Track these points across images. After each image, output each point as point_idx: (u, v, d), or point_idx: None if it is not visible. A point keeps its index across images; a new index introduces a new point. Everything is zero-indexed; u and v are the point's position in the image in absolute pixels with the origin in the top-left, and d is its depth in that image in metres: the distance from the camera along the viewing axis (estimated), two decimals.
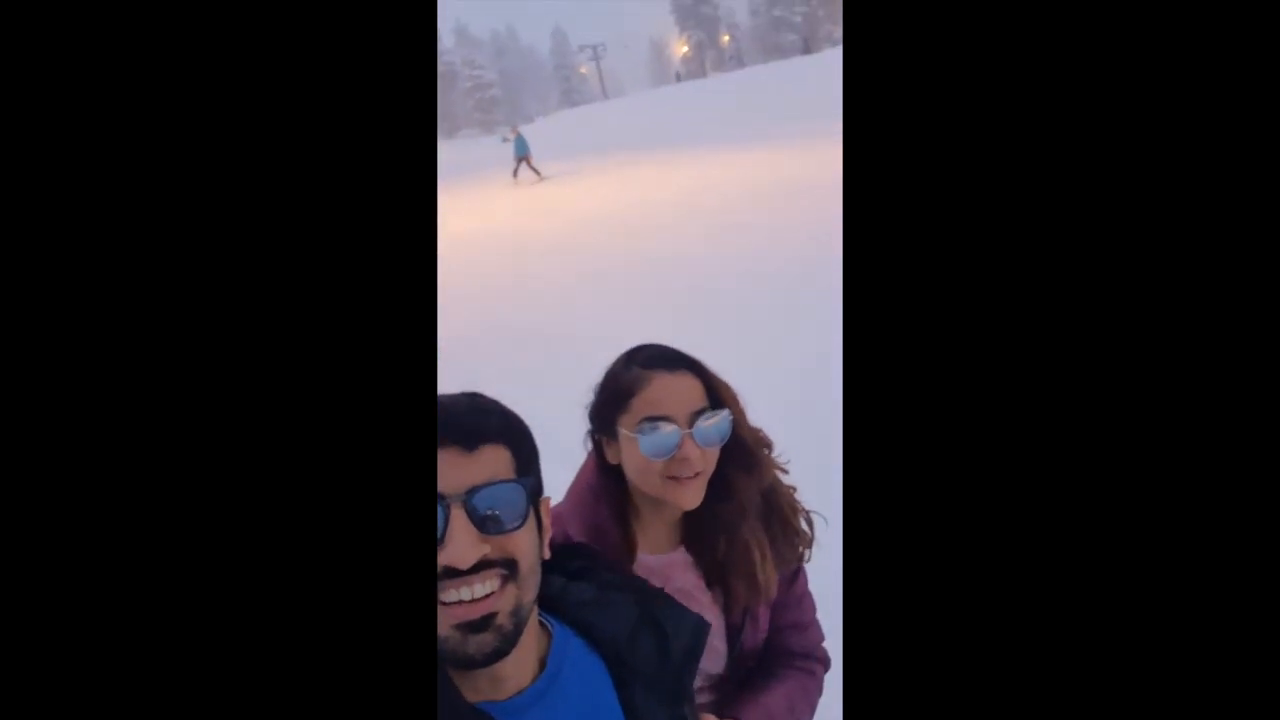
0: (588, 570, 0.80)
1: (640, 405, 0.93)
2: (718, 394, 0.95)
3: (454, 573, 0.60)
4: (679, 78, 44.06)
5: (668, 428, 0.91)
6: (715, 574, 0.99)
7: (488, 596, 0.62)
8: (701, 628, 0.78)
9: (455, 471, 0.62)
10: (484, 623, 0.61)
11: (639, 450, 0.92)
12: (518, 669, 0.66)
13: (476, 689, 0.64)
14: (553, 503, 0.80)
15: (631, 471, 0.95)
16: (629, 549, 0.99)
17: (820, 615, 1.10)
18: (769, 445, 1.02)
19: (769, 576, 0.99)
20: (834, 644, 1.04)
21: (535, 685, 0.67)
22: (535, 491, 0.67)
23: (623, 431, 0.94)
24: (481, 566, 0.61)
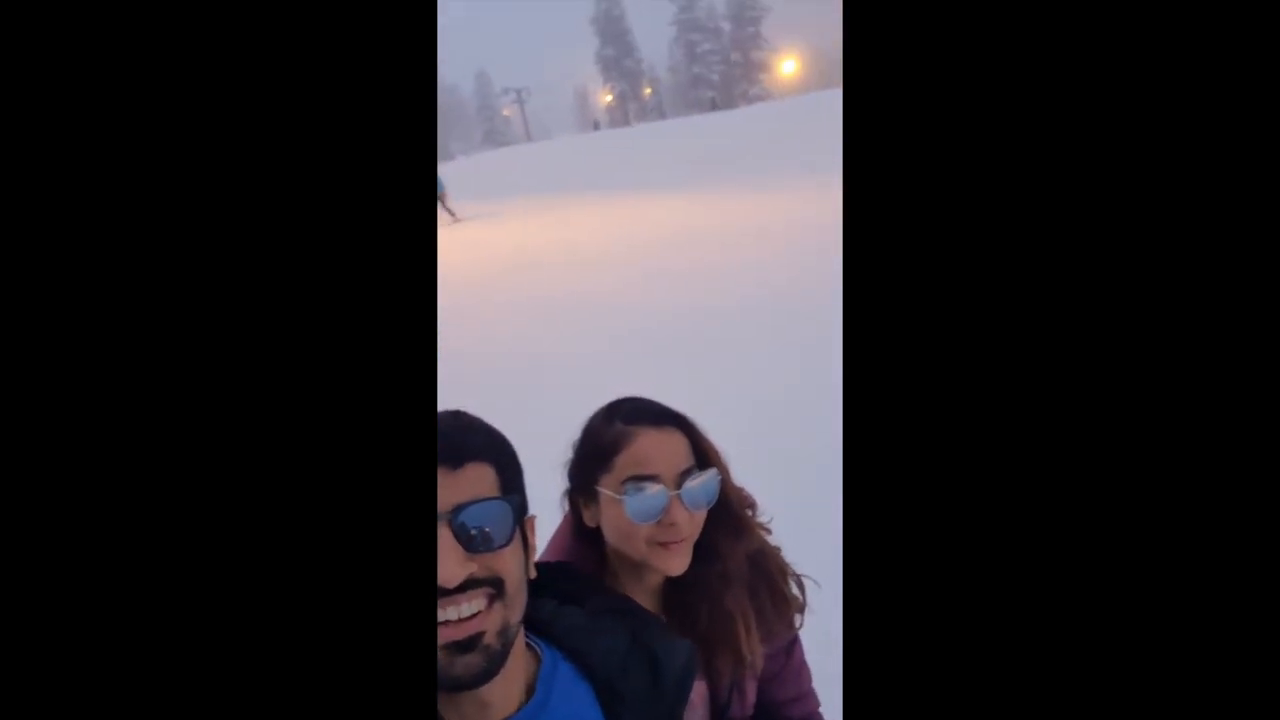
0: (580, 593, 0.78)
1: (625, 463, 0.87)
2: (704, 452, 0.90)
3: (441, 592, 0.60)
4: (597, 125, 44.98)
5: (655, 489, 0.85)
6: (698, 646, 0.92)
7: (474, 616, 0.61)
8: (694, 659, 0.76)
9: (440, 489, 0.61)
10: (471, 643, 0.61)
11: (624, 513, 0.86)
12: (504, 693, 0.65)
13: (461, 714, 0.64)
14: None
15: (613, 535, 0.89)
16: None
17: (822, 665, 1.07)
18: (753, 505, 0.98)
19: (754, 649, 0.93)
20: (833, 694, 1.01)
21: (522, 712, 0.66)
22: (521, 509, 0.67)
23: (604, 492, 0.88)
24: (468, 586, 0.61)
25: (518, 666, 0.66)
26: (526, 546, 0.68)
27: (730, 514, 0.92)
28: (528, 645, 0.70)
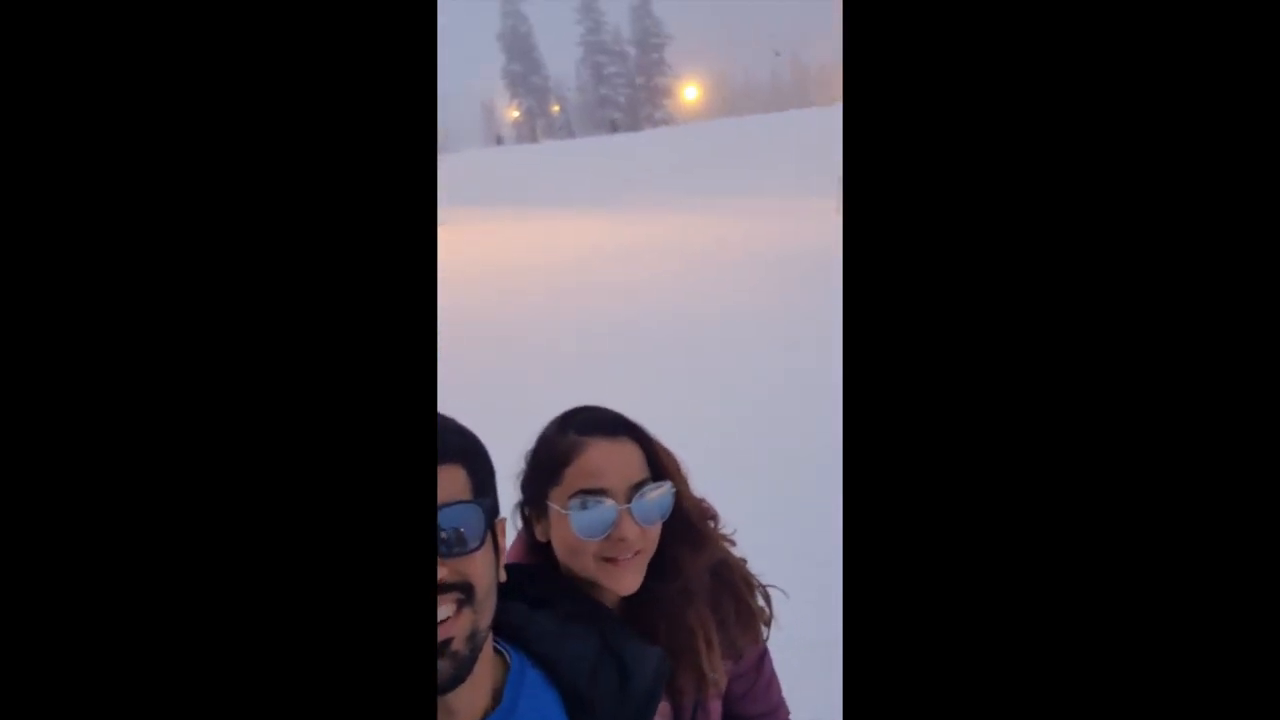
0: (551, 597, 0.77)
1: (574, 476, 0.85)
2: (659, 463, 0.88)
3: None
4: (500, 140, 45.36)
5: (604, 503, 0.83)
6: None
7: (444, 621, 0.60)
8: (664, 666, 0.76)
9: None
10: (440, 649, 0.60)
11: (571, 528, 0.84)
12: (471, 699, 0.65)
13: None
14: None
15: (562, 551, 0.87)
16: None
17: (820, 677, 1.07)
18: (714, 517, 0.96)
19: (716, 666, 0.91)
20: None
21: (488, 718, 0.66)
22: (492, 512, 0.65)
23: (553, 507, 0.86)
24: (437, 590, 0.60)
25: (485, 672, 0.66)
26: (497, 550, 0.67)
27: (689, 527, 0.90)
28: (496, 650, 0.70)
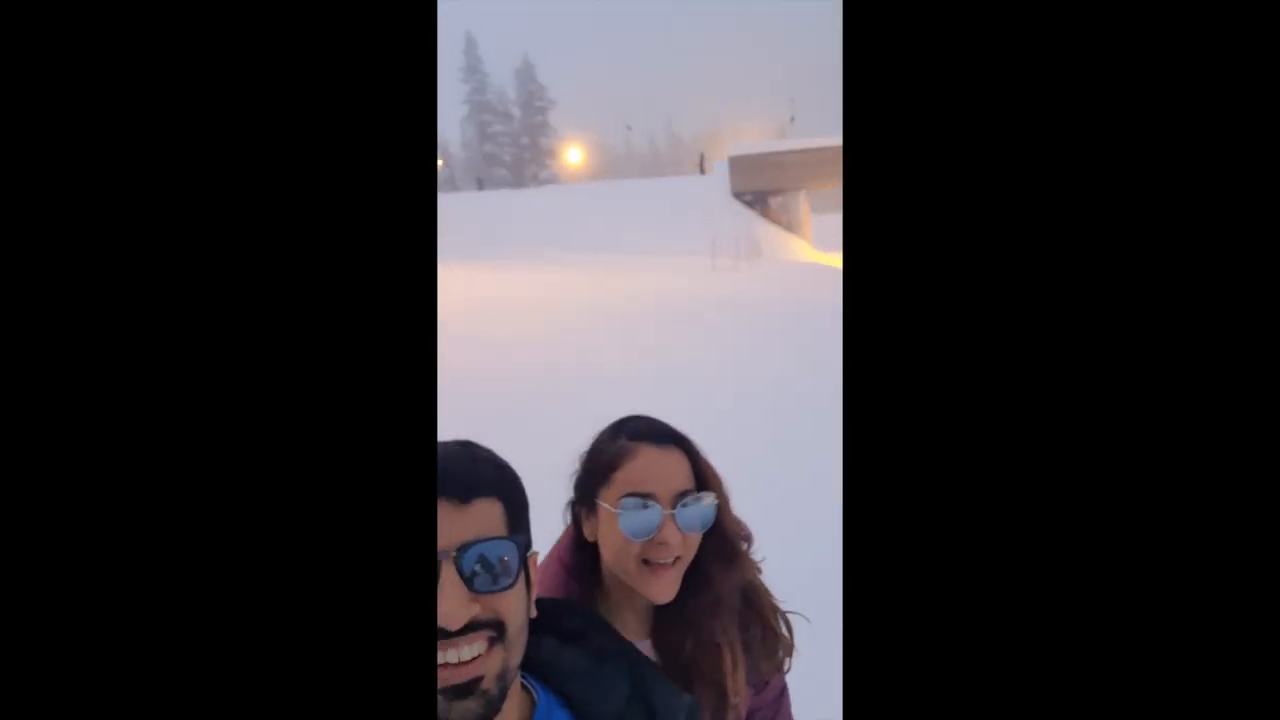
0: (582, 634, 0.76)
1: (623, 480, 0.90)
2: (704, 477, 0.92)
3: (441, 633, 0.58)
4: None
5: (650, 506, 0.88)
6: (679, 676, 0.93)
7: (474, 659, 0.60)
8: (695, 712, 0.75)
9: (446, 525, 0.60)
10: (469, 688, 0.59)
11: (618, 527, 0.89)
12: None
13: None
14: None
15: (607, 550, 0.92)
16: None
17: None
18: (749, 539, 0.98)
19: (738, 686, 0.94)
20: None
21: None
22: (525, 548, 0.65)
23: (603, 506, 0.91)
24: (469, 628, 0.59)
25: (510, 709, 0.65)
26: (529, 585, 0.67)
27: (724, 543, 0.94)
28: (523, 687, 0.69)
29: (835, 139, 18.94)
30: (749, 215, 17.77)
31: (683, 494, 0.91)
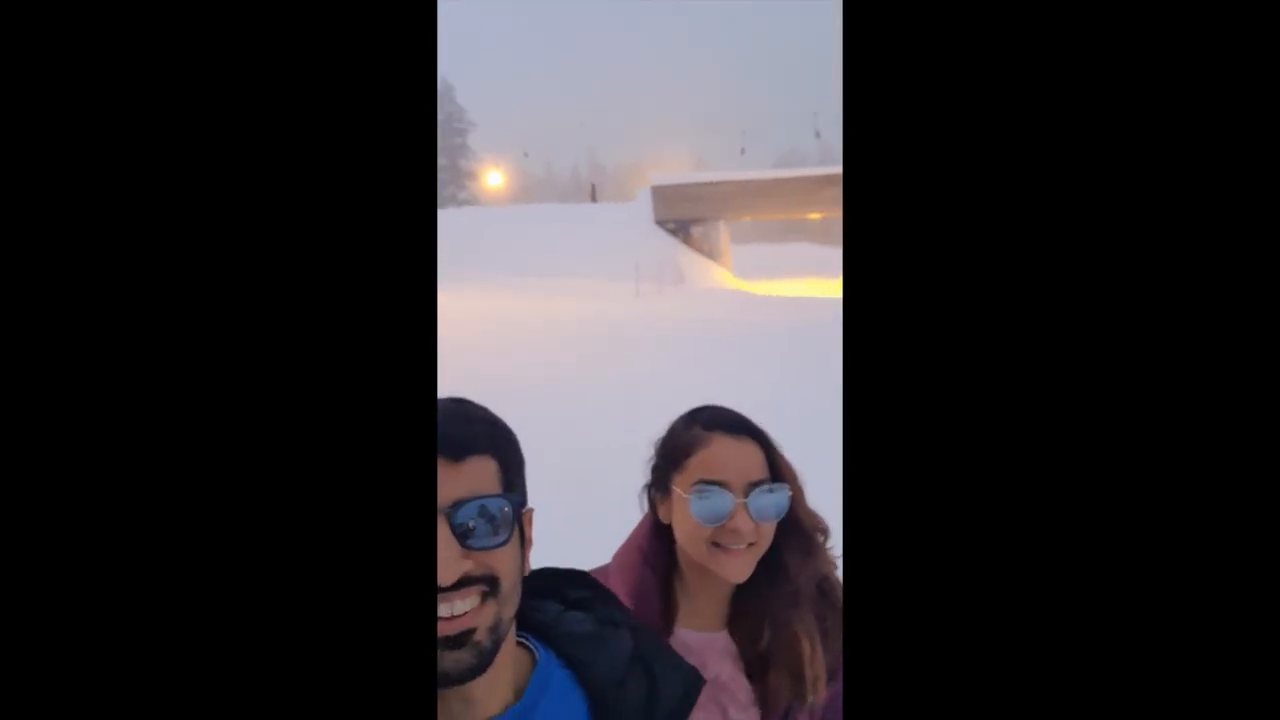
0: (587, 601, 0.76)
1: (696, 466, 0.92)
2: (779, 468, 0.93)
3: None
4: None
5: (722, 493, 0.90)
6: (756, 666, 0.94)
7: (467, 613, 0.61)
8: (695, 682, 0.74)
9: (441, 482, 0.60)
10: (461, 639, 0.60)
11: (690, 512, 0.90)
12: (491, 691, 0.65)
13: (447, 709, 0.63)
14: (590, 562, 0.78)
15: (681, 534, 0.94)
16: (668, 619, 0.96)
17: None
18: (825, 532, 0.99)
19: (817, 675, 0.93)
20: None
21: (509, 712, 0.66)
22: (520, 505, 0.66)
23: (676, 490, 0.94)
24: (462, 583, 0.60)
25: (506, 665, 0.66)
26: (524, 541, 0.67)
27: (801, 534, 0.95)
28: (521, 645, 0.70)
29: (760, 173, 19.21)
30: (672, 243, 18.03)
31: (756, 483, 0.92)
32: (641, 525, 1.03)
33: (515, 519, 0.65)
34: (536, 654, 0.71)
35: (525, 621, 0.71)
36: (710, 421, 0.96)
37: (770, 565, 0.94)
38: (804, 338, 9.40)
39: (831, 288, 16.43)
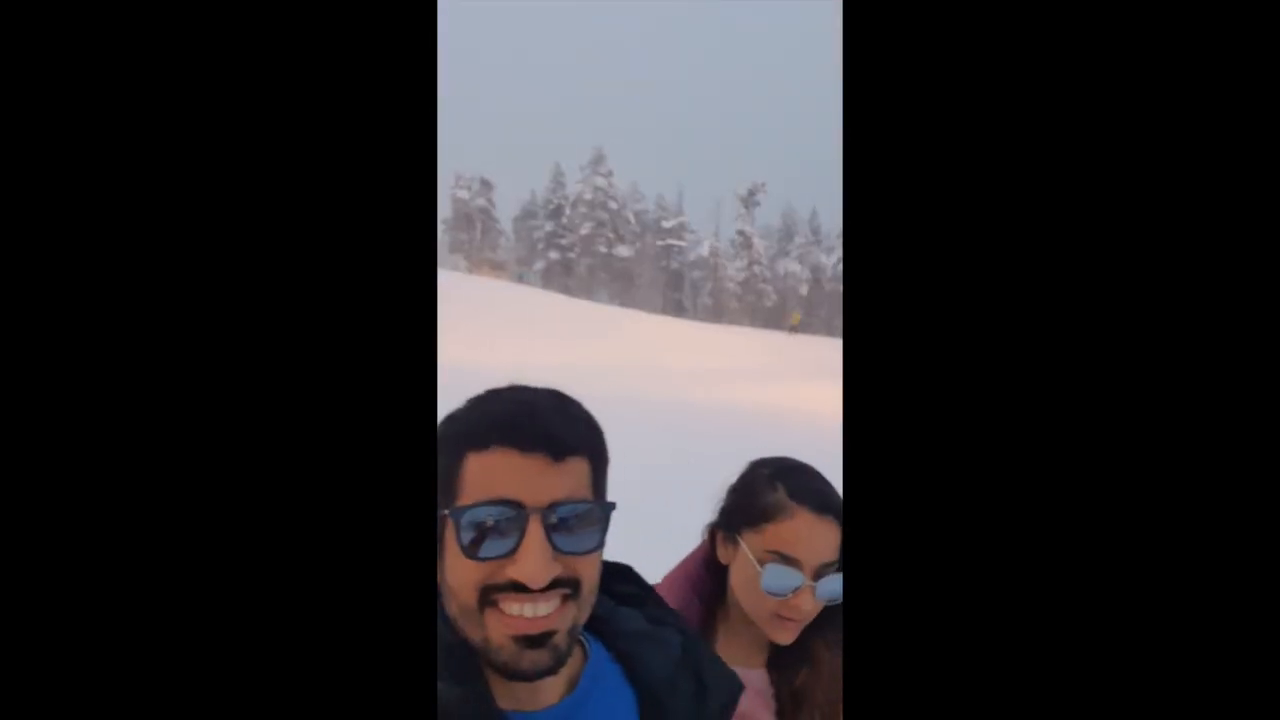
0: (636, 598, 0.76)
1: (773, 535, 0.92)
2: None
3: (521, 588, 0.59)
4: None
5: (793, 572, 0.90)
6: (789, 704, 0.95)
7: (549, 615, 0.60)
8: (737, 689, 0.75)
9: (540, 481, 0.59)
10: (542, 639, 0.60)
11: (758, 581, 0.91)
12: (552, 681, 0.64)
13: (515, 698, 0.63)
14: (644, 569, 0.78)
15: (739, 587, 0.95)
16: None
17: None
18: None
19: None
20: None
21: (563, 703, 0.66)
22: (610, 510, 0.64)
23: (745, 549, 0.94)
24: (549, 586, 0.59)
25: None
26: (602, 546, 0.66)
27: (836, 624, 0.94)
28: (576, 640, 0.68)
29: None
30: None
31: (827, 564, 0.91)
32: (695, 555, 1.03)
33: (606, 526, 0.64)
34: (588, 647, 0.70)
35: None
36: (797, 491, 0.94)
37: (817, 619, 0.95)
38: None
39: None
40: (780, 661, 0.97)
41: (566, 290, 38.20)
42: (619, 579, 0.76)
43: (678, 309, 45.73)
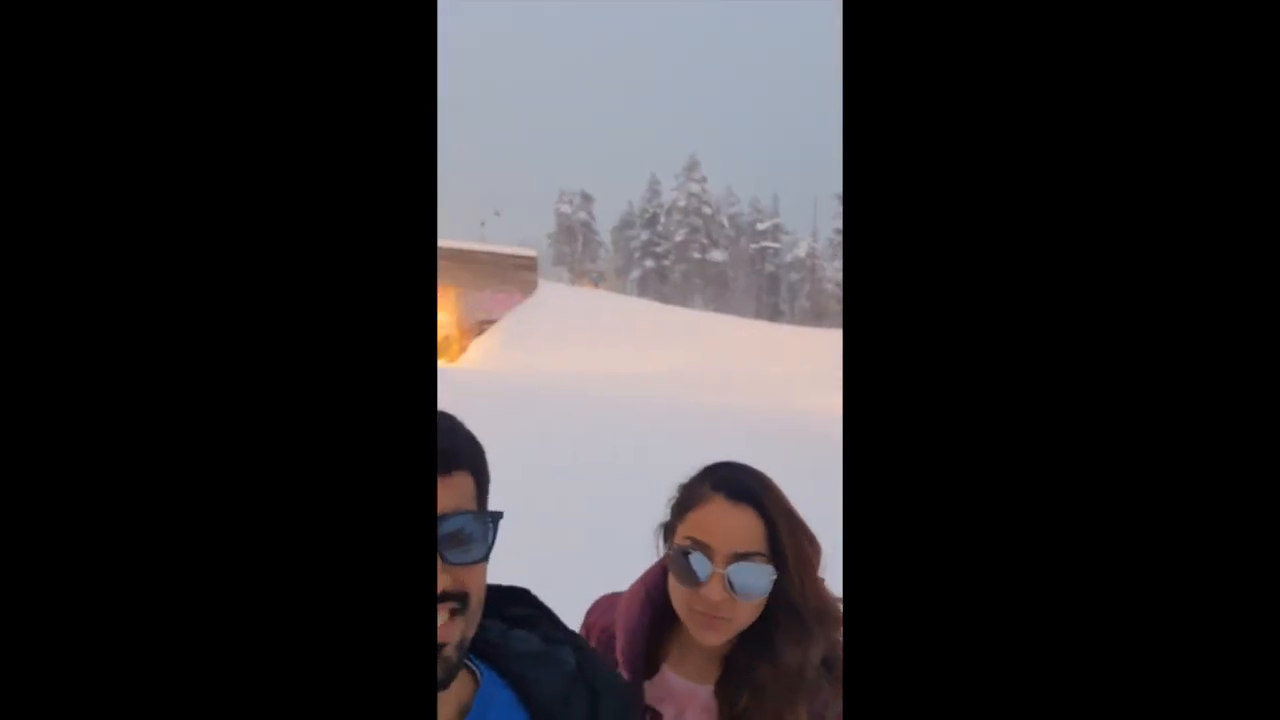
0: (530, 619, 0.76)
1: (691, 523, 0.89)
2: (780, 546, 0.88)
3: None
4: None
5: (701, 558, 0.86)
6: None
7: (438, 628, 0.60)
8: (633, 698, 0.75)
9: None
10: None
11: (669, 568, 0.89)
12: (443, 710, 0.63)
13: None
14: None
15: (669, 586, 0.92)
16: (653, 659, 0.95)
17: None
18: (835, 619, 0.93)
19: None
20: None
21: None
22: (496, 521, 0.65)
23: (666, 544, 0.92)
24: (438, 599, 0.59)
25: (452, 686, 0.64)
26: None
27: (797, 620, 0.89)
28: (465, 665, 0.68)
29: (459, 244, 19.67)
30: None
31: (741, 555, 0.87)
32: (653, 566, 1.01)
33: (493, 537, 0.65)
34: (479, 674, 0.70)
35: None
36: (718, 481, 0.92)
37: (759, 637, 0.91)
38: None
39: None
40: (726, 680, 0.93)
41: (661, 297, 38.30)
42: (513, 601, 0.77)
43: (773, 313, 45.05)
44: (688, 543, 0.89)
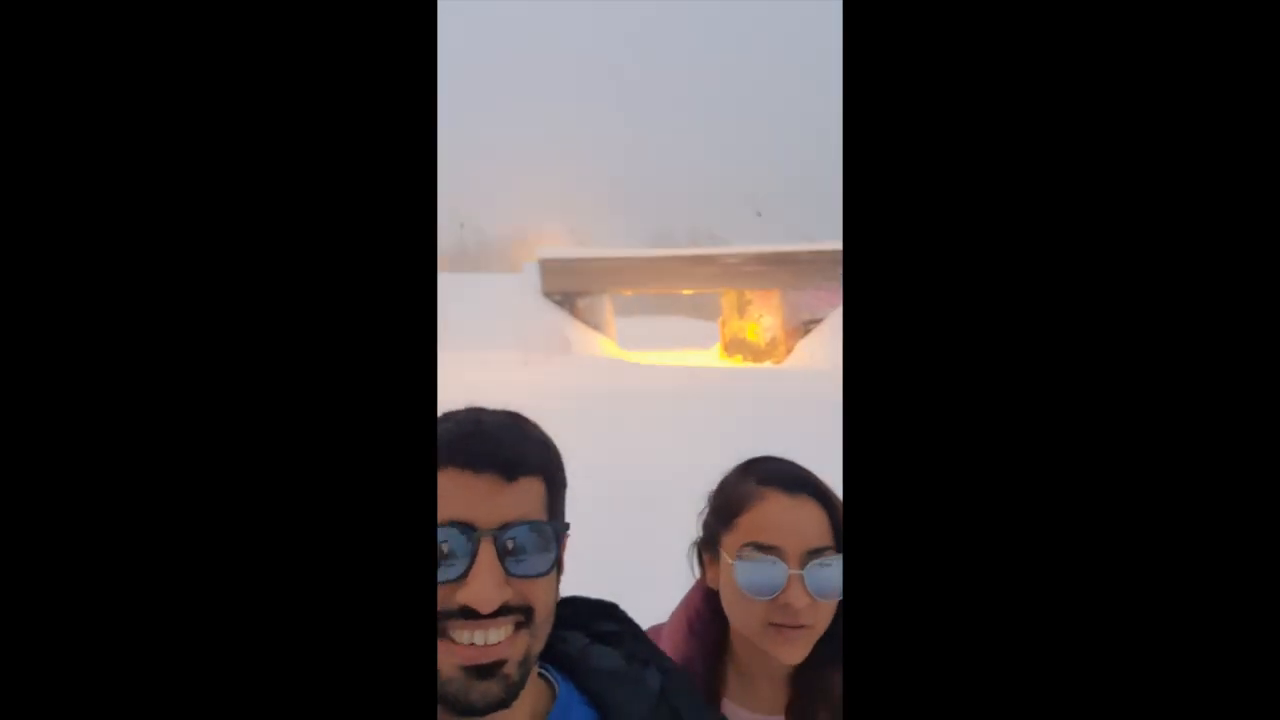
0: (616, 636, 0.72)
1: (747, 526, 0.81)
2: (840, 534, 0.80)
3: (471, 614, 0.57)
4: None
5: (774, 562, 0.79)
6: None
7: (500, 643, 0.58)
8: None
9: (491, 502, 0.59)
10: (492, 669, 0.58)
11: (736, 581, 0.80)
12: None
13: None
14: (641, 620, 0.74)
15: (728, 605, 0.84)
16: (713, 696, 0.86)
17: None
18: None
19: None
20: None
21: None
22: (564, 531, 0.64)
23: (723, 555, 0.83)
24: (500, 612, 0.58)
25: (527, 696, 0.63)
26: (559, 571, 0.64)
27: None
28: (541, 676, 0.67)
29: (639, 251, 19.43)
30: (560, 314, 17.67)
31: (815, 552, 0.80)
32: (693, 589, 0.92)
33: (559, 548, 0.63)
34: (556, 686, 0.68)
35: (548, 652, 0.66)
36: (766, 475, 0.85)
37: (823, 642, 0.82)
38: (687, 403, 9.39)
39: (704, 357, 16.59)
40: (799, 701, 0.84)
41: None
42: (600, 616, 0.74)
43: None
44: (750, 550, 0.81)
